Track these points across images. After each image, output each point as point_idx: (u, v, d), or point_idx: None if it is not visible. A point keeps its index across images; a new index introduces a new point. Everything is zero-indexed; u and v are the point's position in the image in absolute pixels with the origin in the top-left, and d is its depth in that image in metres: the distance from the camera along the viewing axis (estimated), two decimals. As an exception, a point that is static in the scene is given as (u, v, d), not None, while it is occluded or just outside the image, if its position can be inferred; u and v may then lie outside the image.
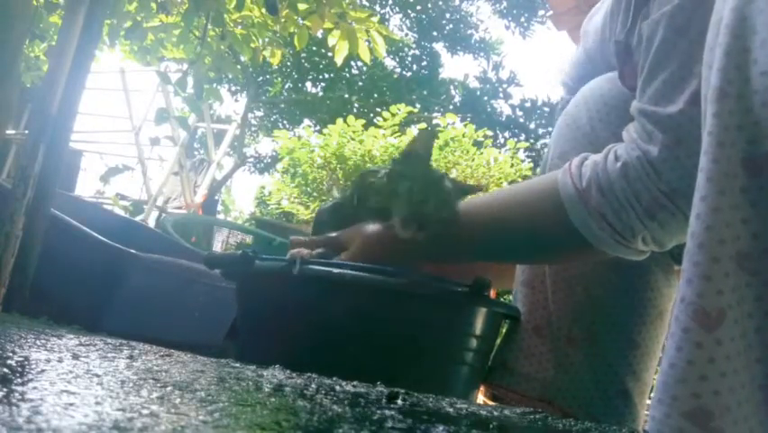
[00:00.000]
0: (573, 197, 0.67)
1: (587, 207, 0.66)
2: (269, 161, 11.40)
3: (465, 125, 4.20)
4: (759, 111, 0.45)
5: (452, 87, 11.52)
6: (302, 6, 2.27)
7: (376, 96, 10.16)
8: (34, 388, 0.34)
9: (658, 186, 0.62)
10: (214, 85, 2.50)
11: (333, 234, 0.77)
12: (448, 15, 11.29)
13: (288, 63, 9.83)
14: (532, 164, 4.89)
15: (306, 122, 10.23)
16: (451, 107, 10.23)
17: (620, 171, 0.64)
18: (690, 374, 0.44)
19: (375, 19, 2.31)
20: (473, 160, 4.05)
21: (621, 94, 0.77)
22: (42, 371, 0.40)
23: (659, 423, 0.45)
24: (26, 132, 1.00)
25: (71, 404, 0.30)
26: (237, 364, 0.56)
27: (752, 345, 0.44)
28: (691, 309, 0.45)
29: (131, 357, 0.52)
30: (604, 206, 0.65)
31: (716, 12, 0.50)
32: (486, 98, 11.45)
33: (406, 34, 11.01)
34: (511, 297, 0.88)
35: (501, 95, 11.47)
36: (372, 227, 0.76)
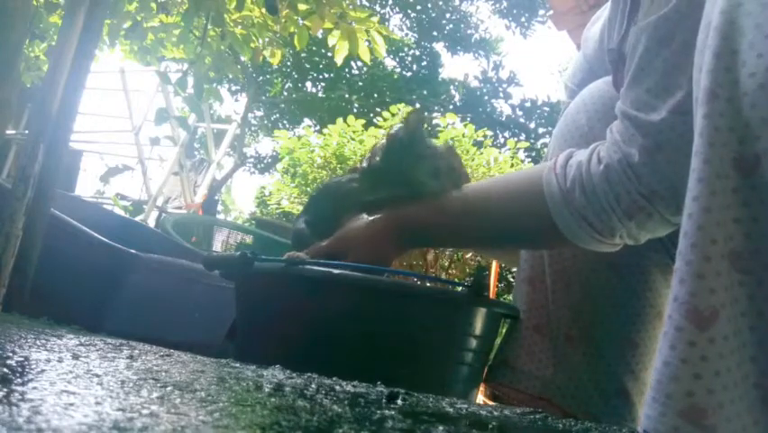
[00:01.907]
0: (557, 196, 0.69)
1: (569, 207, 0.68)
2: (270, 161, 11.41)
3: (465, 125, 4.20)
4: (748, 112, 0.45)
5: (452, 87, 11.52)
6: (302, 6, 2.27)
7: (376, 96, 10.16)
8: (34, 388, 0.34)
9: (638, 188, 0.64)
10: (215, 85, 2.50)
11: (325, 244, 0.78)
12: (448, 15, 11.29)
13: (288, 63, 9.84)
14: (532, 164, 4.88)
15: (306, 122, 10.24)
16: (451, 107, 10.23)
17: (603, 174, 0.66)
18: (683, 373, 0.44)
19: (375, 19, 2.31)
20: (473, 160, 4.05)
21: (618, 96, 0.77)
22: (42, 371, 0.40)
23: (654, 421, 0.45)
24: (26, 132, 1.00)
25: (71, 404, 0.30)
26: (237, 364, 0.57)
27: (746, 344, 0.44)
28: (684, 308, 0.45)
29: (131, 357, 0.52)
30: (586, 207, 0.67)
31: (705, 15, 0.50)
32: (486, 98, 11.46)
33: (407, 34, 11.02)
34: (511, 297, 0.89)
35: (501, 94, 11.47)
36: (363, 225, 0.77)
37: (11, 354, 0.43)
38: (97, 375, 0.40)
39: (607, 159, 0.66)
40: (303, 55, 9.38)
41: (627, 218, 0.65)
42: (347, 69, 10.16)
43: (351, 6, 2.29)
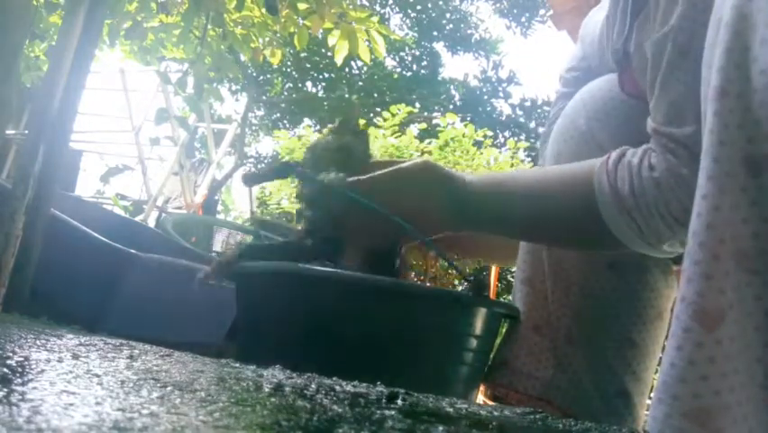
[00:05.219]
0: (607, 194, 0.67)
1: (617, 206, 0.67)
2: (270, 161, 11.39)
3: (465, 125, 4.20)
4: (758, 110, 0.45)
5: (452, 87, 11.52)
6: (302, 6, 2.27)
7: (376, 96, 10.17)
8: (34, 388, 0.34)
9: (691, 196, 0.62)
10: (215, 85, 2.50)
11: (377, 175, 0.75)
12: (448, 15, 11.28)
13: (288, 63, 9.84)
14: (532, 164, 4.88)
15: (307, 121, 10.24)
16: (451, 107, 10.22)
17: (654, 181, 0.64)
18: (690, 374, 0.44)
19: (375, 19, 2.31)
20: (473, 160, 4.04)
21: (620, 96, 0.77)
22: (42, 371, 0.40)
23: (660, 423, 0.45)
24: (26, 132, 1.00)
25: (71, 404, 0.30)
26: (237, 364, 0.56)
27: (751, 345, 0.44)
28: (692, 309, 0.45)
29: (131, 357, 0.52)
30: (634, 209, 0.66)
31: (716, 10, 0.50)
32: (486, 98, 11.45)
33: (407, 34, 11.01)
34: (510, 297, 0.88)
35: (501, 94, 11.47)
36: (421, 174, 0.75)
37: (11, 354, 0.43)
38: (97, 375, 0.40)
39: (657, 166, 0.64)
40: (303, 55, 9.38)
41: (679, 225, 0.64)
42: (347, 69, 10.16)
43: (351, 6, 2.29)
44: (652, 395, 0.53)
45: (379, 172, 0.75)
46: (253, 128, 11.03)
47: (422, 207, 0.74)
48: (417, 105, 9.39)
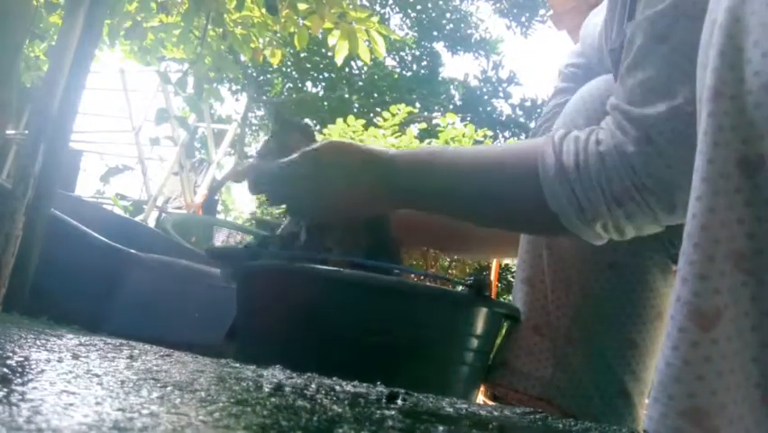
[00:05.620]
0: (550, 166, 0.68)
1: (559, 177, 0.67)
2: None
3: (465, 125, 4.20)
4: (752, 111, 0.45)
5: (452, 87, 11.52)
6: (302, 6, 2.27)
7: (376, 96, 10.18)
8: (34, 388, 0.34)
9: (631, 178, 0.63)
10: (215, 85, 2.50)
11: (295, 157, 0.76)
12: (448, 15, 11.30)
13: (288, 63, 9.84)
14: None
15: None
16: (451, 107, 10.23)
17: (599, 155, 0.65)
18: (686, 374, 0.44)
19: (375, 19, 2.31)
20: (473, 159, 4.04)
21: None
22: (42, 371, 0.40)
23: (656, 422, 0.45)
24: (26, 132, 1.00)
25: (71, 404, 0.30)
26: (237, 364, 0.56)
27: (748, 344, 0.44)
28: (687, 309, 0.45)
29: (131, 357, 0.52)
30: (575, 181, 0.66)
31: (710, 12, 0.50)
32: (486, 98, 11.46)
33: (407, 34, 11.02)
34: (510, 297, 0.88)
35: (501, 94, 11.47)
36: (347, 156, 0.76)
37: (11, 354, 0.43)
38: (97, 375, 0.40)
39: (605, 142, 0.65)
40: (303, 55, 9.38)
41: (617, 205, 0.65)
42: (347, 69, 10.17)
43: (351, 6, 2.29)
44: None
45: (292, 157, 0.75)
46: (253, 128, 11.03)
47: (348, 186, 0.74)
48: (417, 105, 9.41)
